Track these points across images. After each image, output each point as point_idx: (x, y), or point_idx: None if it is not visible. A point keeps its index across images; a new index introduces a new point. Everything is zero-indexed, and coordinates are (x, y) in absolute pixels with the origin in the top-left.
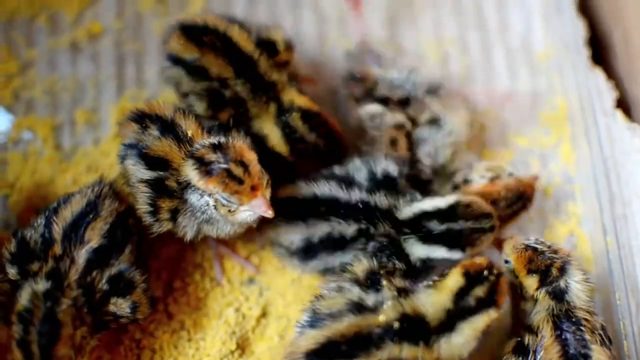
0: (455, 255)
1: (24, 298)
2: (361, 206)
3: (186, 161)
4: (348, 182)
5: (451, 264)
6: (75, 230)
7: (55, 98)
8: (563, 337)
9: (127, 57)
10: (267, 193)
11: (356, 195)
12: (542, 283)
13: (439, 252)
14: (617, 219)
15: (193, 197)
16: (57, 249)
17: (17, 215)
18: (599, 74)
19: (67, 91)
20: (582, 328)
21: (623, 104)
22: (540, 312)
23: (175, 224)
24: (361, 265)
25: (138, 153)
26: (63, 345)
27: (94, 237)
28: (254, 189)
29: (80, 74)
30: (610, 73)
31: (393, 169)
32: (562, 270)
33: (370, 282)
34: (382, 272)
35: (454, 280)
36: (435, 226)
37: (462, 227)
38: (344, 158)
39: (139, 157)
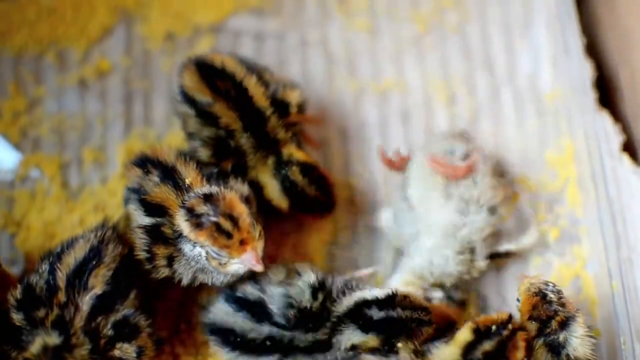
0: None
1: (35, 347)
2: (269, 343)
3: (179, 211)
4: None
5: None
6: (79, 277)
7: (63, 136)
8: None
9: (135, 95)
10: (260, 245)
11: (266, 329)
12: (540, 332)
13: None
14: (623, 262)
15: (186, 247)
16: (62, 296)
17: (24, 254)
18: (605, 117)
19: (74, 129)
20: None
21: (630, 147)
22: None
23: (171, 270)
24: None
25: (138, 198)
26: None
27: (97, 283)
28: (242, 242)
29: (88, 112)
30: (617, 115)
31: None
32: (564, 325)
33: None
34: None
35: (464, 335)
36: (375, 313)
37: (399, 315)
38: (334, 209)
39: (139, 203)
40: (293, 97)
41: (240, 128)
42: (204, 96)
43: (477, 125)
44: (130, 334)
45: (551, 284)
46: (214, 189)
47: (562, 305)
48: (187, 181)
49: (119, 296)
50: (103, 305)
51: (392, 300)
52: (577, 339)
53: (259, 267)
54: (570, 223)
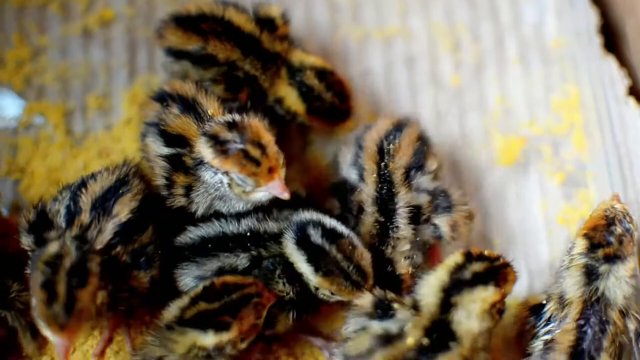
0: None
1: (52, 247)
2: (249, 235)
3: (200, 138)
4: (238, 215)
5: None
6: (105, 203)
7: (67, 84)
8: (584, 329)
9: (139, 44)
10: (283, 172)
11: (246, 224)
12: (586, 252)
13: None
14: (630, 204)
15: (207, 175)
16: (85, 218)
17: (27, 200)
18: (611, 62)
19: (78, 77)
20: (605, 332)
21: (635, 92)
22: (570, 280)
23: (188, 199)
24: (364, 299)
25: (157, 130)
26: (88, 293)
27: (122, 211)
28: (271, 170)
29: (92, 61)
30: (623, 61)
31: (302, 191)
32: (609, 259)
33: (381, 310)
34: (388, 297)
35: (453, 258)
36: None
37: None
38: (350, 116)
39: (159, 134)
40: (274, 12)
41: (240, 55)
42: (193, 44)
43: (481, 72)
44: (147, 264)
45: (628, 219)
46: (237, 117)
47: (620, 242)
48: (209, 112)
49: (139, 228)
50: (124, 233)
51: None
52: (615, 279)
53: (285, 195)
54: (576, 167)
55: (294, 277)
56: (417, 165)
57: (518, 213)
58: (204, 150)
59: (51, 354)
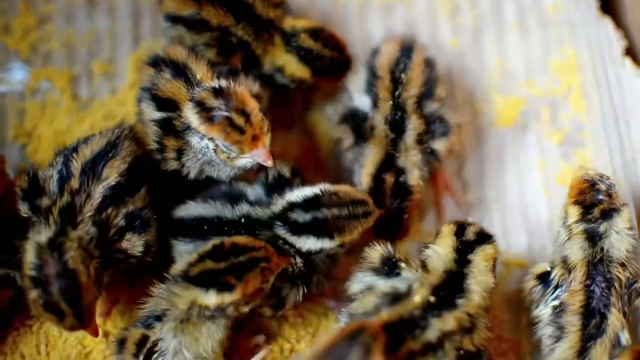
0: (325, 243)
1: (30, 254)
2: (243, 221)
3: (187, 104)
4: (236, 198)
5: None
6: (94, 167)
7: (73, 50)
8: (591, 288)
9: (143, 11)
10: (268, 139)
11: (241, 209)
12: (582, 217)
13: (310, 242)
14: (627, 164)
15: (194, 140)
16: (74, 183)
17: (35, 163)
18: (607, 24)
19: (84, 44)
20: (611, 288)
21: (632, 53)
22: (573, 249)
23: (179, 163)
24: (375, 252)
25: (150, 95)
26: (87, 291)
27: (111, 174)
28: (255, 138)
29: (96, 28)
30: (619, 23)
31: (287, 169)
32: (606, 215)
33: (388, 268)
34: (397, 255)
35: (446, 228)
36: (301, 216)
37: (325, 215)
38: (351, 65)
39: (151, 99)
40: None
41: (233, 21)
42: (189, 9)
43: (480, 36)
44: (141, 227)
45: (606, 178)
46: (223, 83)
47: (609, 196)
48: (198, 76)
49: (131, 190)
50: (114, 196)
51: (315, 201)
52: (617, 234)
53: (269, 163)
54: (573, 128)
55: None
56: (427, 93)
57: (517, 173)
58: (190, 116)
59: None
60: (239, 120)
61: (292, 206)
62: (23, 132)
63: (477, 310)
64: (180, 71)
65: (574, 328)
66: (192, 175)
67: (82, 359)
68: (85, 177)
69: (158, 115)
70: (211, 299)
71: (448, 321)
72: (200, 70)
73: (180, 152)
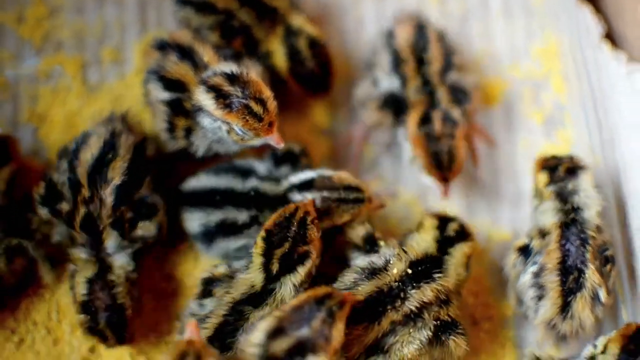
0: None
1: (79, 287)
2: (253, 194)
3: (199, 87)
4: (246, 172)
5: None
6: (99, 172)
7: (83, 39)
8: (566, 247)
9: (149, 1)
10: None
11: (251, 183)
12: (550, 180)
13: None
14: (605, 143)
15: (205, 121)
16: (85, 192)
17: (46, 145)
18: (586, 10)
19: (93, 32)
20: (586, 245)
21: (610, 38)
22: (547, 211)
23: (188, 141)
24: (357, 230)
25: (157, 77)
26: (131, 324)
27: (115, 175)
28: (270, 125)
29: (105, 17)
30: (598, 9)
31: (297, 147)
32: (571, 172)
33: (369, 245)
34: (375, 234)
35: (429, 221)
36: (295, 196)
37: (314, 197)
38: (328, 93)
39: (159, 80)
40: None
41: (237, 5)
42: None
43: (466, 23)
44: (149, 213)
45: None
46: (234, 68)
47: (571, 158)
48: (205, 59)
49: (136, 184)
50: (123, 195)
51: (309, 184)
52: (584, 192)
53: (281, 145)
54: (555, 108)
55: None
56: (448, 64)
57: (502, 151)
58: (205, 100)
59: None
60: (257, 108)
61: (292, 187)
62: (36, 115)
63: (451, 288)
64: (186, 54)
65: (554, 285)
66: (200, 152)
67: None
68: (93, 184)
69: (167, 95)
70: None
71: (427, 292)
72: (207, 54)
73: (189, 132)
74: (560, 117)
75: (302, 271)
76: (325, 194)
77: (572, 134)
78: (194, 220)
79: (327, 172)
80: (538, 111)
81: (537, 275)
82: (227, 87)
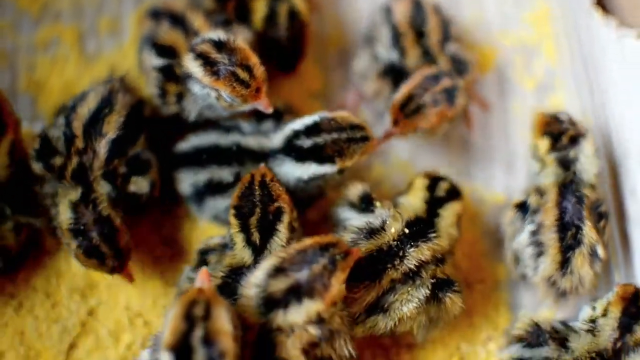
0: (327, 169)
1: (66, 212)
2: (235, 149)
3: (188, 54)
4: (231, 128)
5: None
6: (94, 125)
7: (80, 9)
8: (563, 205)
9: None
10: (265, 87)
11: (232, 138)
12: (552, 147)
13: (312, 169)
14: (596, 107)
15: (195, 87)
16: (79, 143)
17: (45, 112)
18: None
19: (91, 3)
20: (582, 203)
21: (600, 4)
22: (547, 176)
23: (180, 107)
24: (354, 188)
25: (151, 43)
26: (122, 233)
27: (110, 129)
28: (257, 90)
29: None
30: None
31: (281, 104)
32: (574, 141)
33: (365, 205)
34: (372, 194)
35: (419, 181)
36: (304, 142)
37: (326, 140)
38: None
39: (152, 47)
40: None
41: None
42: None
43: None
44: (143, 168)
45: (564, 112)
46: (222, 35)
47: (573, 124)
48: (196, 25)
49: (130, 140)
50: (117, 149)
51: (316, 127)
52: (585, 158)
53: (269, 110)
54: (546, 74)
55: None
56: (446, 36)
57: (496, 116)
58: (193, 67)
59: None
60: (244, 75)
61: (296, 134)
62: (34, 84)
63: (445, 248)
64: (178, 21)
65: (552, 242)
66: (191, 117)
67: (89, 288)
68: (88, 136)
69: (159, 62)
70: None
71: (424, 251)
72: (197, 20)
73: (180, 97)
74: (551, 82)
75: (282, 227)
76: (335, 135)
77: (563, 99)
78: (185, 181)
79: (326, 113)
80: (530, 77)
81: (535, 233)
82: (215, 55)
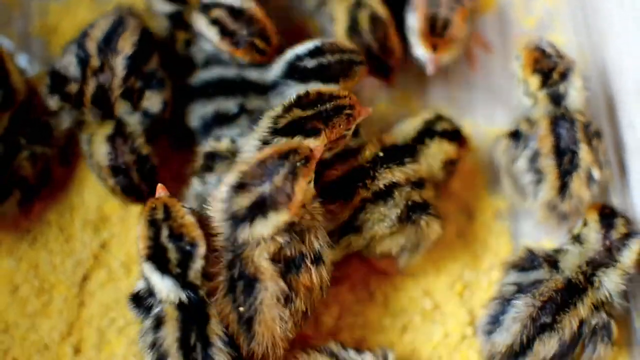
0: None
1: (101, 147)
2: (238, 81)
3: (200, 15)
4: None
5: None
6: (109, 43)
7: None
8: (557, 131)
9: None
10: None
11: (235, 70)
12: (543, 84)
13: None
14: (595, 45)
15: (206, 45)
16: (95, 62)
17: (57, 57)
18: None
19: None
20: (575, 127)
21: None
22: (539, 110)
23: (189, 54)
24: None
25: None
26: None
27: (126, 46)
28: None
29: None
30: None
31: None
32: (564, 76)
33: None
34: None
35: (422, 114)
36: (308, 62)
37: (329, 60)
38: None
39: None
40: None
41: None
42: None
43: None
44: (158, 85)
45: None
46: (236, 1)
47: (561, 57)
48: None
49: (145, 57)
50: (133, 65)
51: (319, 50)
52: (574, 92)
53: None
54: (545, 14)
55: None
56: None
57: (498, 56)
58: (208, 32)
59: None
60: (262, 45)
61: (299, 57)
62: (47, 29)
63: (426, 175)
64: None
65: (550, 168)
66: (199, 63)
67: (101, 222)
68: (103, 54)
69: (168, 8)
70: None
71: (396, 173)
72: None
73: (188, 44)
74: (550, 22)
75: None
76: (338, 56)
77: (562, 38)
78: (194, 114)
79: (322, 39)
80: (529, 17)
81: (532, 160)
82: (232, 25)
